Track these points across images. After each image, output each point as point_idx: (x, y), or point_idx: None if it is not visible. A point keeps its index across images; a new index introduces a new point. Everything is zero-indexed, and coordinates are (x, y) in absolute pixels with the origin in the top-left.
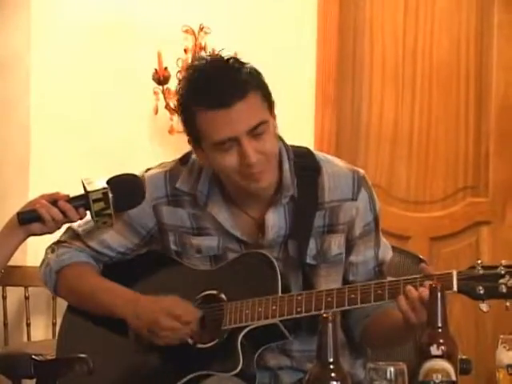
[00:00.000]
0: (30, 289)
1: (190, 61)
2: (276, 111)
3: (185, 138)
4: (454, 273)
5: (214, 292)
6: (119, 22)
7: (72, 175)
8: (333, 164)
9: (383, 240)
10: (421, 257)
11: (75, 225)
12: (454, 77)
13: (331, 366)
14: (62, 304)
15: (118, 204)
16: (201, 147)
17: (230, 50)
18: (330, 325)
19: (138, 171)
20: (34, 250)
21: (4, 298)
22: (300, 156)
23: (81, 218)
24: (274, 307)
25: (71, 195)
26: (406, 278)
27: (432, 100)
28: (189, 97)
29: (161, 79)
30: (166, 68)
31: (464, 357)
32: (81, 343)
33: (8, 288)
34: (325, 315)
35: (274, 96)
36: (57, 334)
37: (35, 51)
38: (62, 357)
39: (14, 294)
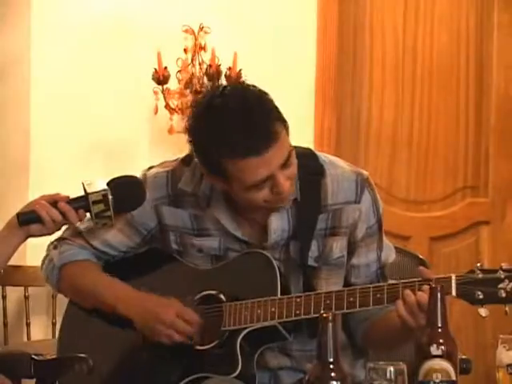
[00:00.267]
0: (29, 288)
1: (189, 61)
2: None
3: (184, 138)
4: (453, 277)
5: (213, 292)
6: (119, 21)
7: (72, 175)
8: (336, 166)
9: (386, 242)
10: (421, 257)
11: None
12: (453, 76)
13: (331, 366)
14: (61, 304)
15: (118, 206)
16: (223, 180)
17: (230, 50)
18: (330, 325)
19: (137, 171)
20: (33, 250)
21: (4, 297)
22: (303, 158)
23: (80, 220)
24: (272, 309)
25: (71, 196)
26: (404, 281)
27: (432, 100)
28: (212, 146)
29: (160, 79)
30: (165, 68)
31: (464, 357)
32: (81, 341)
33: (8, 288)
34: (325, 315)
35: (274, 96)
36: (57, 333)
37: (35, 52)
38: (62, 356)
39: (14, 293)
